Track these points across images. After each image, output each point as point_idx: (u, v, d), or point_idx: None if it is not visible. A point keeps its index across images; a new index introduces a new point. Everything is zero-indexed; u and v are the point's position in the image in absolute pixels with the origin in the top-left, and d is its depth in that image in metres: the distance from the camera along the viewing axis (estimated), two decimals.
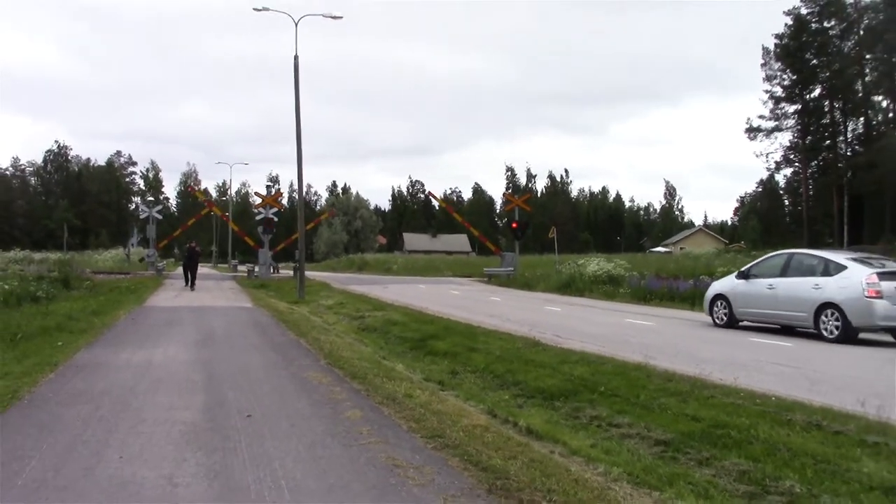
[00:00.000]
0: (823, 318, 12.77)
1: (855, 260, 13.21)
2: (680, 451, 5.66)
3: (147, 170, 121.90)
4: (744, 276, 14.84)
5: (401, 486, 4.53)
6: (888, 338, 12.95)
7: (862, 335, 12.60)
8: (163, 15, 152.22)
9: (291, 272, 37.18)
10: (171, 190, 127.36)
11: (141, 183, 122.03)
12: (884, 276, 12.39)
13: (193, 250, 29.59)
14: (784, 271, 14.00)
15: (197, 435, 5.70)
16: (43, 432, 5.68)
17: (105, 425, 5.98)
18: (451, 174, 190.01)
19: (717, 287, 15.78)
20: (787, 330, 13.90)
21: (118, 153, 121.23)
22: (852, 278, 12.54)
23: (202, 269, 30.10)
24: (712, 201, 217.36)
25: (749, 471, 5.06)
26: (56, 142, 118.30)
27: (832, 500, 4.52)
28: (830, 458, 5.19)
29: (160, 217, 48.69)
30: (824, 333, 12.71)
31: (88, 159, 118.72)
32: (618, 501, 4.40)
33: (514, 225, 38.14)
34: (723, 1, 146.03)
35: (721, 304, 15.15)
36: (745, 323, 14.85)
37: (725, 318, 14.97)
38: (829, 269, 13.13)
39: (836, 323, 12.57)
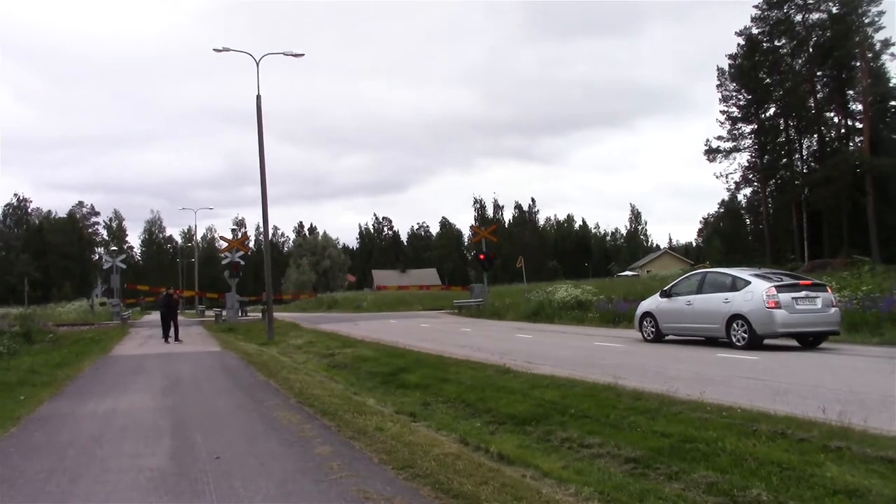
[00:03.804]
0: (734, 328, 13.98)
1: (757, 275, 14.48)
2: (650, 468, 5.71)
3: (110, 219, 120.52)
4: (666, 294, 16.04)
5: None
6: (834, 344, 14.11)
7: (767, 341, 13.84)
8: (120, 62, 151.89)
9: (260, 314, 36.82)
10: (134, 238, 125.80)
11: (104, 233, 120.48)
12: (781, 288, 13.72)
13: (171, 297, 25.30)
14: (700, 289, 15.26)
15: (164, 480, 5.60)
16: (3, 486, 5.54)
17: (69, 476, 5.85)
18: (418, 208, 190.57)
19: (644, 306, 16.88)
20: (712, 341, 14.88)
21: (80, 204, 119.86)
22: (755, 292, 13.76)
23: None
24: (676, 224, 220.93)
25: (717, 482, 5.12)
26: (15, 195, 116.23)
27: None
28: (795, 465, 5.27)
29: (124, 266, 47.90)
30: (735, 342, 13.88)
31: (49, 211, 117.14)
32: None
33: (481, 256, 38.29)
34: (674, 26, 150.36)
35: (649, 321, 16.33)
36: (671, 337, 15.94)
37: (653, 334, 16.10)
38: (737, 284, 14.35)
39: (743, 332, 13.76)
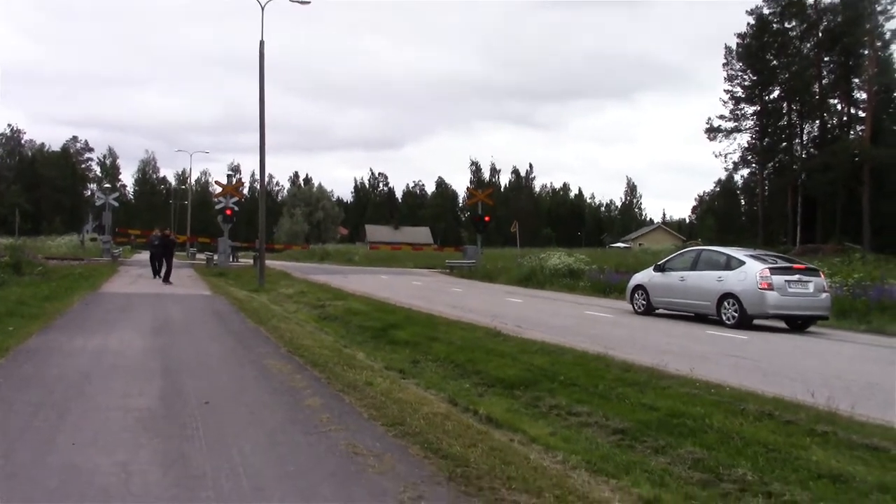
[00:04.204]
0: (724, 306, 14.16)
1: (752, 256, 14.61)
2: (637, 440, 5.74)
3: (104, 156, 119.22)
4: (660, 269, 16.19)
5: (361, 474, 4.50)
6: (822, 329, 14.21)
7: (756, 321, 14.02)
8: (123, 0, 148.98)
9: (252, 261, 36.75)
10: (128, 177, 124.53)
11: (97, 170, 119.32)
12: (775, 270, 13.79)
13: (168, 238, 25.82)
14: (694, 265, 15.39)
15: (153, 422, 5.60)
16: None
17: (58, 411, 5.85)
18: (415, 167, 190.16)
19: (637, 278, 17.04)
20: (701, 317, 15.05)
21: (74, 139, 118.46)
22: (749, 272, 13.88)
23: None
24: (671, 200, 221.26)
25: (703, 459, 5.15)
26: (9, 125, 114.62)
27: (782, 487, 4.62)
28: (781, 447, 5.30)
29: (116, 205, 47.55)
30: (724, 320, 14.08)
31: (43, 144, 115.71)
32: (576, 489, 4.43)
33: (477, 218, 38.25)
34: (683, 0, 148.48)
35: (640, 293, 16.49)
36: (661, 311, 16.07)
37: (644, 307, 16.26)
38: (731, 264, 14.50)
39: (734, 311, 13.94)
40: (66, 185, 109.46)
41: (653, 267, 16.61)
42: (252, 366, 8.31)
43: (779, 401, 6.62)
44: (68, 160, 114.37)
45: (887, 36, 50.25)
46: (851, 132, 53.97)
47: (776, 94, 58.30)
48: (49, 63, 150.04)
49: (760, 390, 7.15)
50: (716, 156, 76.76)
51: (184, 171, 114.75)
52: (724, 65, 59.23)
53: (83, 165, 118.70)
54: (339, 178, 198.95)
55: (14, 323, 10.87)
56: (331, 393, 6.81)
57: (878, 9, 49.91)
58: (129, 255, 50.38)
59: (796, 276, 13.79)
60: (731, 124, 58.77)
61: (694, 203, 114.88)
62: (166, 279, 23.28)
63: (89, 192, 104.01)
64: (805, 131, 57.97)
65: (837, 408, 6.31)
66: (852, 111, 54.84)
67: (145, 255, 35.14)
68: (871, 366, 9.65)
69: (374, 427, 5.61)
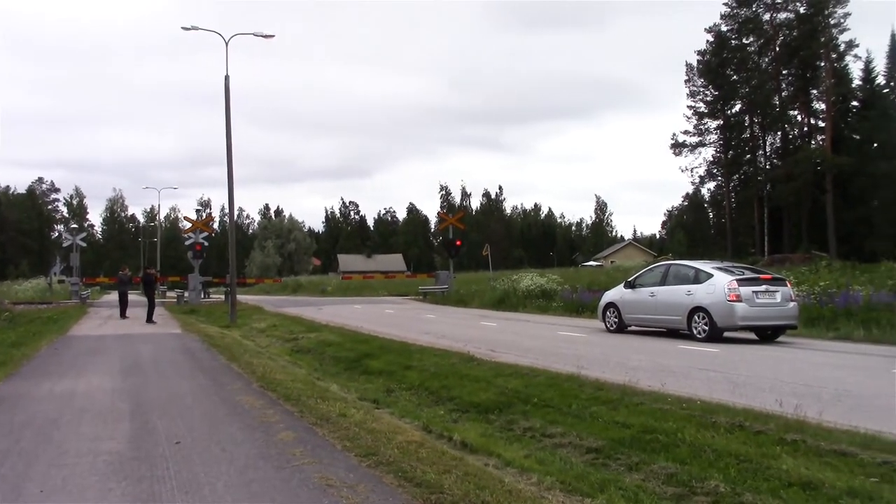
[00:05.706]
0: (695, 320, 14.17)
1: (720, 268, 14.63)
2: (611, 458, 5.78)
3: (71, 197, 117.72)
4: (630, 285, 16.11)
5: None
6: (791, 338, 14.30)
7: (727, 334, 14.00)
8: (84, 40, 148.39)
9: (223, 297, 36.39)
10: (96, 217, 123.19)
11: (64, 210, 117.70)
12: (743, 282, 13.85)
13: (151, 276, 26.19)
14: (664, 280, 15.35)
15: (123, 464, 5.52)
16: None
17: (25, 459, 5.74)
18: (385, 194, 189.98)
19: (608, 296, 16.98)
20: (673, 332, 15.05)
21: (40, 180, 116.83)
22: (717, 285, 13.93)
23: (130, 297, 27.55)
24: (641, 216, 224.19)
25: (676, 473, 5.20)
26: None
27: (754, 497, 4.68)
28: (752, 457, 5.37)
29: (84, 245, 46.93)
30: (695, 334, 14.01)
31: (8, 187, 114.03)
32: None
33: (458, 242, 38.28)
34: (642, 20, 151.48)
35: (612, 311, 16.42)
36: (633, 328, 16.05)
37: (616, 324, 16.22)
38: (699, 277, 14.53)
39: (704, 324, 13.98)
40: (33, 228, 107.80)
41: (623, 284, 16.64)
42: (224, 403, 8.22)
43: (749, 412, 6.69)
44: (34, 202, 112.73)
45: (842, 48, 51.86)
46: (812, 142, 55.21)
47: (738, 107, 59.68)
48: (10, 104, 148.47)
49: (731, 402, 7.23)
50: (682, 170, 78.10)
51: (152, 209, 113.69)
52: (685, 81, 60.62)
53: (50, 206, 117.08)
54: (310, 209, 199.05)
55: None
56: (304, 426, 6.76)
57: (833, 22, 51.50)
58: (97, 297, 49.63)
59: (764, 287, 13.95)
60: (695, 139, 59.98)
61: (663, 218, 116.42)
62: (149, 318, 22.73)
63: (56, 234, 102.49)
64: (768, 143, 59.25)
65: (806, 416, 6.40)
66: (812, 121, 56.28)
67: (114, 296, 34.62)
68: (838, 372, 9.80)
69: (348, 458, 5.58)
